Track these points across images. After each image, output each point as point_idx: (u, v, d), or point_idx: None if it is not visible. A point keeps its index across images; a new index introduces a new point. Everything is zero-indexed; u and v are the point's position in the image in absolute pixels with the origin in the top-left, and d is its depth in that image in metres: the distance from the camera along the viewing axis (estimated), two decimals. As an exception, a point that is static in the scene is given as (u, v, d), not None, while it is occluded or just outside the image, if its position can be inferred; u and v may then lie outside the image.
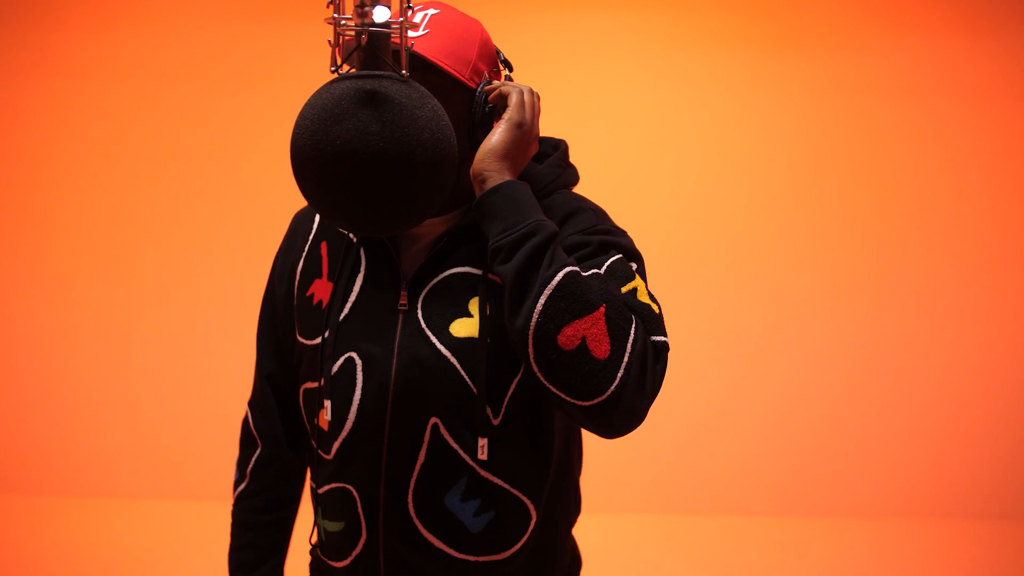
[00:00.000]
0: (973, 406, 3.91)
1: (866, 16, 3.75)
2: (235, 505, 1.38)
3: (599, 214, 1.22)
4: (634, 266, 1.16)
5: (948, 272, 3.84)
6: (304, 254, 1.29)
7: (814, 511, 4.01)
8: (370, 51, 1.04)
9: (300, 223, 1.33)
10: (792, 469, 3.96)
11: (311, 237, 1.30)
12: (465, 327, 1.17)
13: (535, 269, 1.07)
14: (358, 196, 1.01)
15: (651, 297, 1.15)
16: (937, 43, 3.74)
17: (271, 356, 1.34)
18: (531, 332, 1.06)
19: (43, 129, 3.92)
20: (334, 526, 1.24)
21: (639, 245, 1.22)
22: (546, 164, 1.24)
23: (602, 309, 1.06)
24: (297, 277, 1.29)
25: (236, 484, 1.37)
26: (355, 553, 1.22)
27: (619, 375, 1.05)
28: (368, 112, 1.00)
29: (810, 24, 3.76)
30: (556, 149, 1.27)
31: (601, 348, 1.05)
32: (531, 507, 1.21)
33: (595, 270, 1.11)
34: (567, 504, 1.30)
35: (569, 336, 1.05)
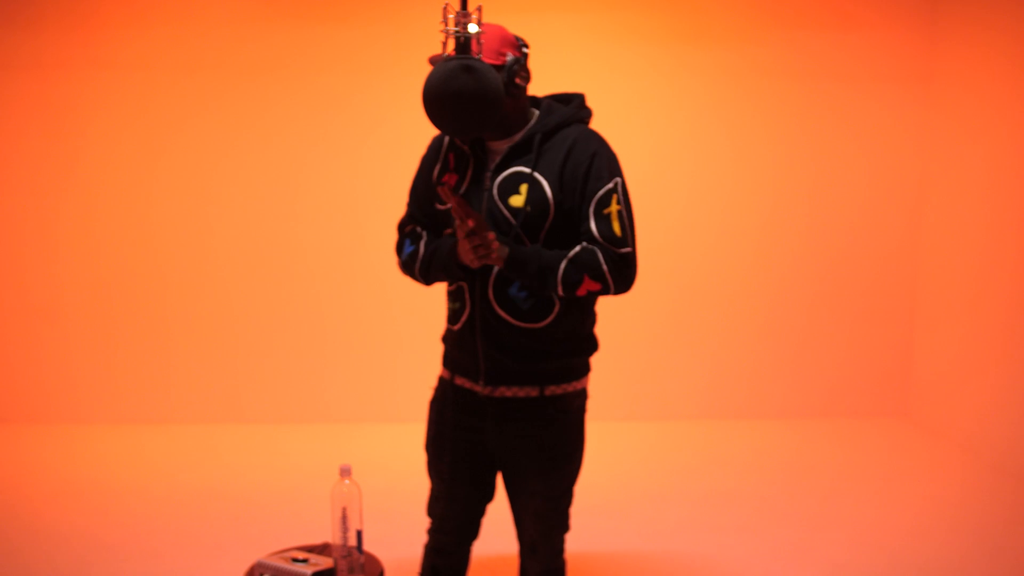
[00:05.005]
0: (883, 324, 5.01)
1: (766, 13, 4.83)
2: (409, 258, 2.31)
3: (598, 152, 2.15)
4: (615, 194, 2.11)
5: (834, 199, 4.94)
6: (439, 160, 2.27)
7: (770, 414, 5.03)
8: (464, 45, 2.00)
9: (433, 146, 2.32)
10: (742, 376, 5.00)
11: (441, 152, 2.28)
12: (517, 200, 2.14)
13: (546, 287, 2.10)
14: (463, 113, 1.96)
15: (620, 218, 2.10)
16: (821, 36, 4.84)
17: (417, 206, 2.33)
18: (562, 297, 2.15)
19: (86, 113, 4.79)
20: (455, 305, 2.25)
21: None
22: (570, 106, 2.22)
23: (585, 276, 2.09)
24: (435, 174, 2.27)
25: (400, 250, 2.33)
26: (464, 319, 2.22)
27: (606, 285, 2.11)
28: (466, 74, 1.96)
29: (724, 19, 4.82)
30: (576, 97, 2.25)
31: (595, 285, 2.11)
32: (555, 298, 2.17)
33: (569, 258, 2.09)
34: (584, 312, 2.24)
35: (579, 292, 2.11)
